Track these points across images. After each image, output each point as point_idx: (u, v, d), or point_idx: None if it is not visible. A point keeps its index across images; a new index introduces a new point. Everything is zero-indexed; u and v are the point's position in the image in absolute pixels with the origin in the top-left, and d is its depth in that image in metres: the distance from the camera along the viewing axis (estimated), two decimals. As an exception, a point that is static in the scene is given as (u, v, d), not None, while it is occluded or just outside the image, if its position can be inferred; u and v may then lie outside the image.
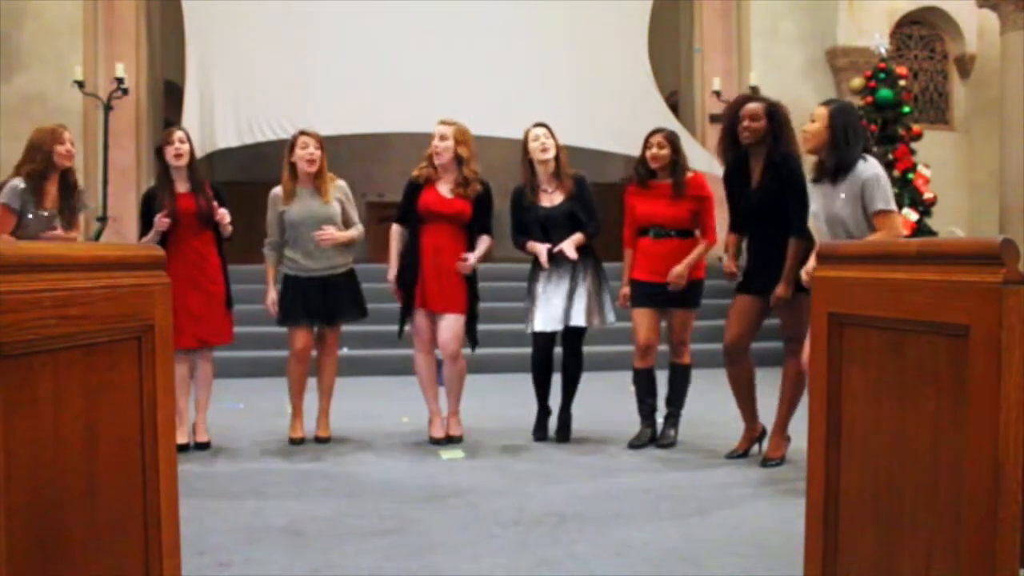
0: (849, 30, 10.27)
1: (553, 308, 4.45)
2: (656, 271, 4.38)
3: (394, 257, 4.57)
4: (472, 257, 4.43)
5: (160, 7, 10.27)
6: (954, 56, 11.09)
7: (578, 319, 4.43)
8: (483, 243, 4.51)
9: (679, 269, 4.31)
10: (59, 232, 4.08)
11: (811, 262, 3.72)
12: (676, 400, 4.52)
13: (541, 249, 4.45)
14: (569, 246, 4.40)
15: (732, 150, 4.09)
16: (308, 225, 4.46)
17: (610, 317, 4.56)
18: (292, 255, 4.50)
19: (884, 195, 3.47)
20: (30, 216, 4.02)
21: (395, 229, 4.61)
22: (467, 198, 4.45)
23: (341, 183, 4.64)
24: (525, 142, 4.54)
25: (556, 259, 4.44)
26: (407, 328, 4.58)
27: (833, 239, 3.57)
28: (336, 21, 9.48)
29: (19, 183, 4.01)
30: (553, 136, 4.52)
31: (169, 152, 4.38)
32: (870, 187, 3.47)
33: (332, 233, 4.44)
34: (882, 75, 9.26)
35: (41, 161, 4.03)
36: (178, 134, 4.44)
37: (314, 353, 4.62)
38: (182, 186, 4.41)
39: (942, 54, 11.19)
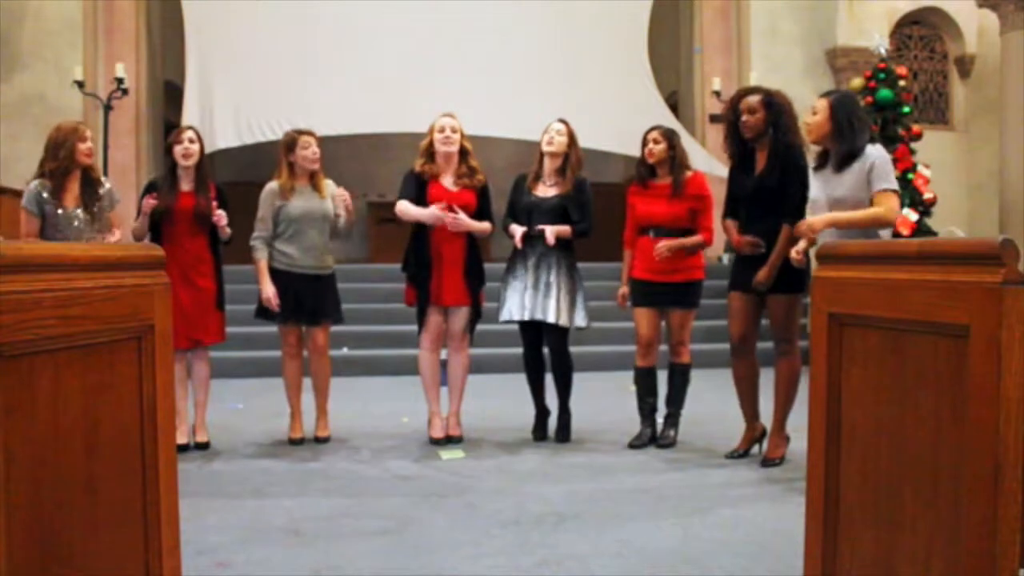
0: (849, 30, 10.27)
1: (523, 299, 4.46)
2: (655, 270, 4.38)
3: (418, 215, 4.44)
4: (463, 214, 4.39)
5: (160, 7, 10.27)
6: (954, 56, 11.09)
7: (549, 315, 4.42)
8: (483, 223, 4.52)
9: (669, 243, 4.30)
10: (103, 237, 4.10)
11: (801, 243, 3.72)
12: (676, 400, 4.52)
13: (517, 230, 4.47)
14: (550, 231, 4.40)
15: (737, 144, 4.10)
16: (308, 221, 4.47)
17: (580, 322, 4.51)
18: (286, 250, 4.49)
19: (889, 176, 3.56)
20: (59, 214, 4.02)
21: (405, 203, 4.45)
22: (473, 188, 4.49)
23: (330, 182, 4.66)
24: (544, 132, 4.57)
25: (531, 250, 4.45)
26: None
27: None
28: (336, 21, 9.48)
29: (35, 185, 4.03)
30: (570, 136, 4.53)
31: (178, 151, 4.38)
32: (878, 168, 3.55)
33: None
34: (882, 75, 9.25)
35: (65, 158, 4.03)
36: (188, 133, 4.44)
37: (306, 354, 4.63)
38: (186, 184, 4.42)
39: (942, 54, 11.19)
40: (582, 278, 4.59)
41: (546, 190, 4.55)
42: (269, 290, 4.44)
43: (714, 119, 10.11)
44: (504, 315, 4.55)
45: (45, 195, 4.02)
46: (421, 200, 4.45)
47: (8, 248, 1.38)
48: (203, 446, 4.39)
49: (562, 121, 4.56)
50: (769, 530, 3.03)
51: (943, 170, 9.80)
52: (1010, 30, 9.10)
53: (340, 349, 6.66)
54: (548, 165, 4.55)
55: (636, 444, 4.40)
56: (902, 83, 9.30)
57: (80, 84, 8.93)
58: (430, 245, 4.44)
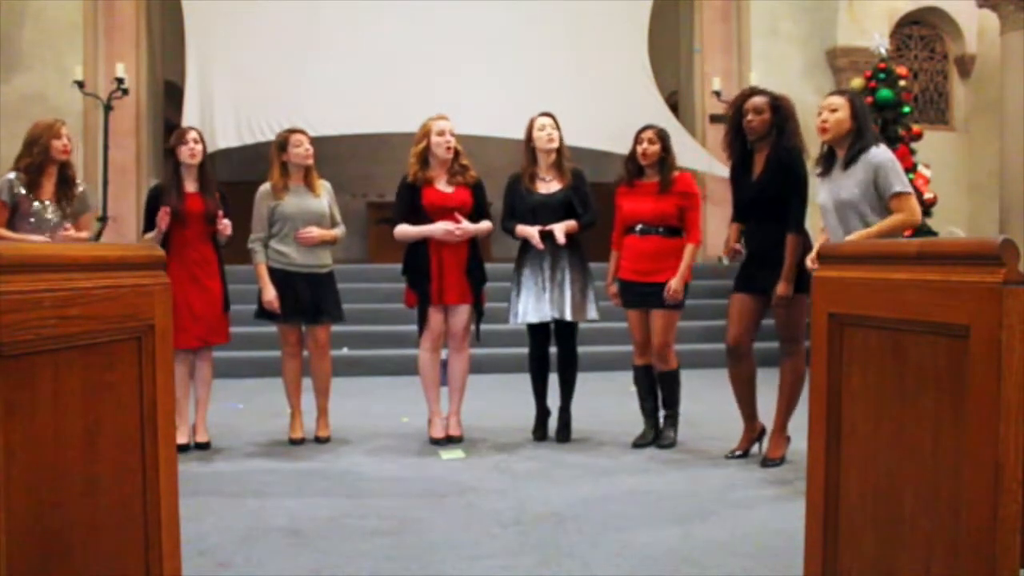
0: (849, 30, 10.27)
1: (542, 299, 4.46)
2: (640, 270, 4.38)
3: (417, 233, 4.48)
4: (466, 222, 4.42)
5: (160, 7, 10.27)
6: (954, 56, 11.09)
7: (567, 313, 4.44)
8: (484, 223, 4.53)
9: (675, 284, 4.31)
10: (71, 232, 4.09)
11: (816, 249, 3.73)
12: (671, 402, 4.50)
13: (532, 231, 4.46)
14: (559, 229, 4.41)
15: (738, 144, 4.09)
16: (303, 219, 4.48)
17: (592, 314, 4.56)
18: (283, 249, 4.49)
19: (900, 178, 3.50)
20: (34, 206, 4.04)
21: (403, 227, 4.49)
22: (468, 186, 4.49)
23: (325, 183, 4.66)
24: (530, 130, 4.56)
25: (544, 251, 4.45)
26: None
27: (844, 228, 3.55)
28: (336, 21, 9.48)
29: (10, 175, 4.06)
30: (558, 127, 4.55)
31: (183, 151, 4.39)
32: (885, 171, 3.48)
33: (315, 232, 4.47)
34: (882, 75, 9.25)
35: (38, 154, 4.06)
36: (192, 134, 4.45)
37: (306, 353, 4.63)
38: (191, 186, 4.42)
39: (942, 54, 11.19)
40: (591, 270, 4.60)
41: (548, 186, 4.55)
42: (270, 293, 4.44)
43: (714, 119, 10.11)
44: (520, 318, 4.53)
45: (20, 188, 4.03)
46: (417, 208, 4.44)
47: (8, 248, 1.38)
48: (203, 446, 4.39)
49: (547, 114, 4.57)
50: (769, 530, 3.03)
51: (943, 170, 9.79)
52: (1010, 30, 9.11)
53: (340, 349, 6.66)
54: (544, 161, 4.55)
55: (640, 443, 4.40)
56: (902, 83, 9.30)
57: (80, 84, 8.93)
58: (430, 247, 4.43)
